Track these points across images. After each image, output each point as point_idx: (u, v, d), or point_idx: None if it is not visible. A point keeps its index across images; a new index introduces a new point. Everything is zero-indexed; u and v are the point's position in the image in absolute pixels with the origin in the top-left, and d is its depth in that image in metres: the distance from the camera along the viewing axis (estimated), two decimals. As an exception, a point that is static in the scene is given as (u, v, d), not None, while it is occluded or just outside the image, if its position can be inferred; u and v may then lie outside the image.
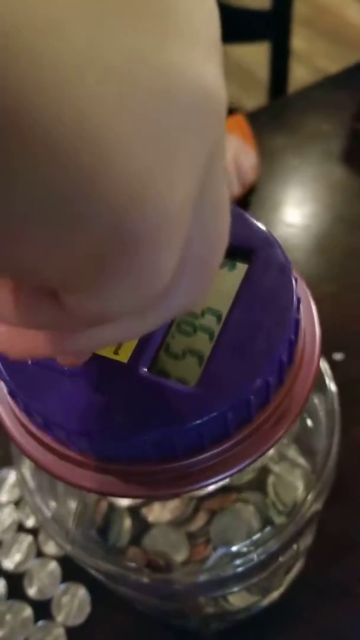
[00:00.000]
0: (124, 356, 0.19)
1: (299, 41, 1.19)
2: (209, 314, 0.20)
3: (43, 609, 0.40)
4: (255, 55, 1.10)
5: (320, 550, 0.40)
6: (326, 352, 0.33)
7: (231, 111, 0.73)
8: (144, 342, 0.20)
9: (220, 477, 0.19)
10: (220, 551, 0.34)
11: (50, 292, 0.13)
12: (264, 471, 0.38)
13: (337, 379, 0.31)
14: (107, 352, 0.19)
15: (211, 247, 0.14)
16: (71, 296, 0.12)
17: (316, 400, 0.33)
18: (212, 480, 0.19)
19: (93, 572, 0.30)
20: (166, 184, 0.10)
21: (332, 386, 0.29)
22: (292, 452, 0.38)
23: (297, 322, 0.20)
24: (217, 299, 0.21)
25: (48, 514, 0.29)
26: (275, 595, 0.36)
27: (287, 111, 0.73)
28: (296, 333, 0.20)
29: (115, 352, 0.20)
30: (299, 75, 1.22)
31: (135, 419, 0.18)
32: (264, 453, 0.19)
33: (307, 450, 0.35)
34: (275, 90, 0.95)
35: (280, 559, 0.34)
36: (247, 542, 0.33)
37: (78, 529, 0.30)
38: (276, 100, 0.94)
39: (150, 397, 0.18)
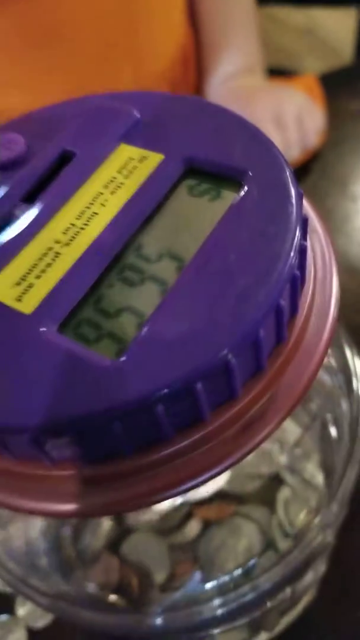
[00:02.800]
0: (28, 304, 0.13)
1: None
2: (168, 258, 0.14)
3: (5, 602, 0.35)
4: (343, 33, 1.00)
5: (332, 586, 0.32)
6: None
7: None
8: (62, 288, 0.13)
9: (131, 504, 0.12)
10: (207, 574, 0.28)
11: None
12: (275, 482, 0.31)
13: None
14: (7, 297, 0.13)
15: None
16: None
17: (344, 405, 0.26)
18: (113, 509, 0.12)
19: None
20: None
21: (360, 389, 0.22)
22: (312, 465, 0.31)
23: (294, 281, 0.13)
24: (184, 240, 0.14)
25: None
26: (264, 638, 0.30)
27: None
28: (293, 297, 0.14)
29: (18, 298, 0.13)
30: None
31: (25, 401, 0.12)
32: (217, 474, 0.13)
33: (327, 464, 0.28)
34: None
35: (279, 596, 0.27)
36: (240, 570, 0.26)
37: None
38: (355, 62, 0.84)
39: (51, 370, 0.12)
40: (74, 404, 0.12)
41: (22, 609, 0.36)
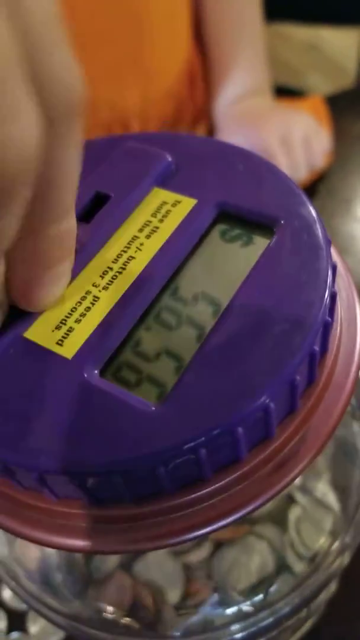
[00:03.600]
0: (68, 349, 0.14)
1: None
2: (204, 301, 0.14)
3: (18, 620, 0.36)
4: (347, 50, 1.01)
5: (339, 601, 0.33)
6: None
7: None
8: (101, 331, 0.14)
9: (177, 539, 0.13)
10: (222, 594, 0.28)
11: None
12: (287, 501, 0.31)
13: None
14: (47, 341, 0.14)
15: None
16: None
17: (355, 427, 0.27)
18: (162, 542, 0.13)
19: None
20: None
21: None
22: (323, 484, 0.31)
23: (326, 326, 0.14)
24: (220, 284, 0.15)
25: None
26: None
27: (372, 97, 0.65)
28: (324, 341, 0.14)
29: (59, 342, 0.14)
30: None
31: (68, 443, 0.12)
32: (252, 511, 0.13)
33: (339, 485, 0.28)
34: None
35: (295, 617, 0.28)
36: (260, 596, 0.26)
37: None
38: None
39: (96, 414, 0.13)
40: (118, 449, 0.12)
41: (34, 627, 0.36)
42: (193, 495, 0.13)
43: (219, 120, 0.55)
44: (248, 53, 0.56)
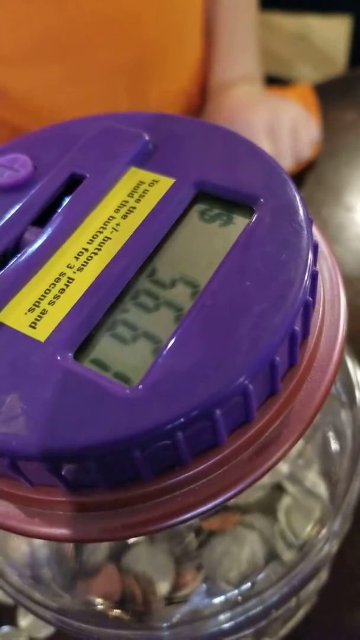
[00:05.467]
0: (42, 332, 0.13)
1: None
2: (182, 284, 0.14)
3: (8, 614, 0.35)
4: (336, 40, 1.01)
5: (333, 590, 0.33)
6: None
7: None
8: (76, 314, 0.14)
9: (153, 528, 0.13)
10: (212, 585, 0.28)
11: None
12: (277, 491, 0.31)
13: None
14: (20, 324, 0.13)
15: None
16: None
17: (344, 416, 0.26)
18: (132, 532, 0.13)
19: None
20: None
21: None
22: (313, 474, 0.31)
23: (306, 306, 0.13)
24: (199, 264, 0.14)
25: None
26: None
27: (361, 85, 0.65)
28: (305, 321, 0.14)
29: (32, 325, 0.13)
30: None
31: (42, 428, 0.12)
32: (233, 496, 0.13)
33: (328, 474, 0.28)
34: (353, 67, 0.86)
35: (284, 607, 0.27)
36: (248, 584, 0.26)
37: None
38: (350, 72, 0.84)
39: (69, 398, 0.12)
40: (93, 433, 0.12)
41: (24, 620, 0.36)
42: (172, 481, 0.13)
43: (208, 106, 0.54)
44: (241, 40, 0.56)
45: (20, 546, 0.28)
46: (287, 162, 0.49)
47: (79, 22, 0.45)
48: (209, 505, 0.13)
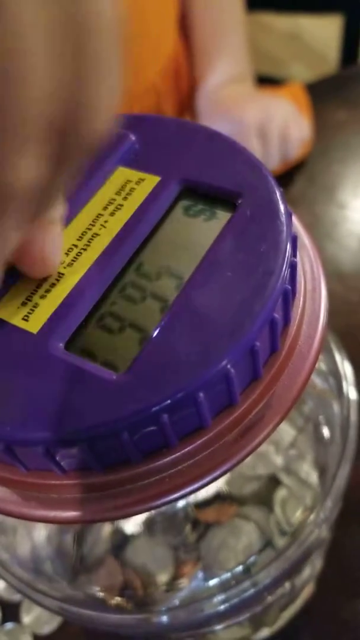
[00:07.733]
0: (34, 324, 0.14)
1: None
2: (167, 276, 0.15)
3: (12, 611, 0.36)
4: (328, 39, 1.02)
5: (331, 580, 0.33)
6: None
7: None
8: (66, 306, 0.14)
9: (143, 507, 0.13)
10: (209, 573, 0.28)
11: None
12: (272, 483, 0.32)
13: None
14: (14, 317, 0.14)
15: None
16: None
17: (335, 407, 0.27)
18: (135, 509, 0.13)
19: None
20: None
21: (351, 393, 0.23)
22: (307, 465, 0.32)
23: (286, 295, 0.14)
24: (183, 258, 0.15)
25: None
26: (266, 633, 0.30)
27: (353, 84, 0.65)
28: (285, 309, 0.14)
29: (25, 318, 0.14)
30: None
31: (38, 415, 0.13)
32: (219, 476, 0.14)
33: (320, 463, 0.29)
34: (344, 66, 0.87)
35: (278, 591, 0.28)
36: (241, 568, 0.27)
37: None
38: (342, 71, 0.85)
39: (61, 385, 0.13)
40: (84, 417, 0.12)
41: (28, 617, 0.37)
42: (160, 463, 0.13)
43: (200, 106, 0.55)
44: (230, 41, 0.57)
45: (23, 541, 0.29)
46: (275, 161, 0.50)
47: None
48: (196, 485, 0.13)
